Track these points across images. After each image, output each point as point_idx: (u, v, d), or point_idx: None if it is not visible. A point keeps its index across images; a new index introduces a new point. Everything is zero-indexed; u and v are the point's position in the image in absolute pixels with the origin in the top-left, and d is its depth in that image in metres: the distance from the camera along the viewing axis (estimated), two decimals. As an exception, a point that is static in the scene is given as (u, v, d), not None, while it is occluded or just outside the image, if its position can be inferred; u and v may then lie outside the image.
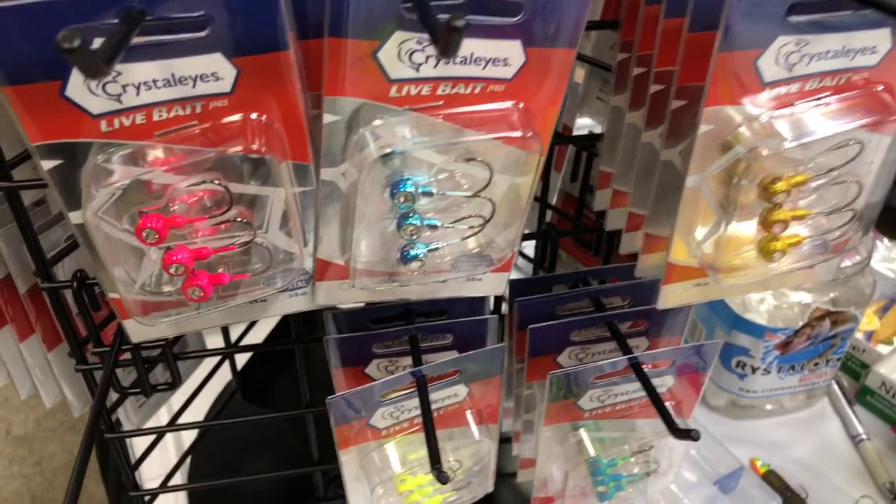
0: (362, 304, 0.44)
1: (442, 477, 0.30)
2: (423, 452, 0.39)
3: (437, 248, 0.30)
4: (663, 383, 0.38)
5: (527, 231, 0.45)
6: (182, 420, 0.66)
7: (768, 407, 0.70)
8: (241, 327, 0.67)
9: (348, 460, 0.39)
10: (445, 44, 0.19)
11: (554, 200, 0.54)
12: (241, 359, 0.58)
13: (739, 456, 0.62)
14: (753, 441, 0.67)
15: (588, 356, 0.41)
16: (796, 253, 0.33)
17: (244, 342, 0.60)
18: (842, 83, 0.29)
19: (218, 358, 0.57)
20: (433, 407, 0.39)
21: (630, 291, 0.41)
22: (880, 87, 0.29)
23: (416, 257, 0.30)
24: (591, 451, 0.40)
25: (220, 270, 0.29)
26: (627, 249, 0.38)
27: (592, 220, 0.46)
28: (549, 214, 0.49)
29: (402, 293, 0.34)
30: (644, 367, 0.37)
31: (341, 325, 0.40)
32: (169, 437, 0.66)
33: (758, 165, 0.29)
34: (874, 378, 0.69)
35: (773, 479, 0.63)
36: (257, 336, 0.62)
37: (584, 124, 0.52)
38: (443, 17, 0.20)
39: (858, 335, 0.72)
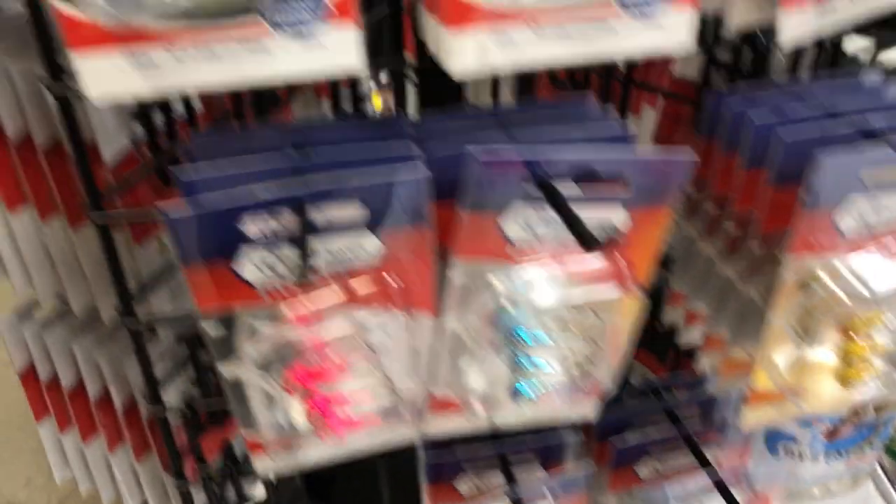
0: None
1: None
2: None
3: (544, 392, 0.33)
4: None
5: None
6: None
7: (815, 491, 0.71)
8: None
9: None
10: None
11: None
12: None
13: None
14: (804, 527, 0.68)
15: (664, 465, 0.43)
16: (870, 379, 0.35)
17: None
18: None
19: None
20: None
21: (702, 404, 0.44)
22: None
23: (526, 394, 0.33)
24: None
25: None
26: (705, 367, 0.41)
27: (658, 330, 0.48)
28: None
29: (503, 422, 0.36)
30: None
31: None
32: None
33: (835, 305, 0.32)
34: (918, 461, 0.70)
35: (827, 568, 0.64)
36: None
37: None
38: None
39: (899, 418, 0.73)
